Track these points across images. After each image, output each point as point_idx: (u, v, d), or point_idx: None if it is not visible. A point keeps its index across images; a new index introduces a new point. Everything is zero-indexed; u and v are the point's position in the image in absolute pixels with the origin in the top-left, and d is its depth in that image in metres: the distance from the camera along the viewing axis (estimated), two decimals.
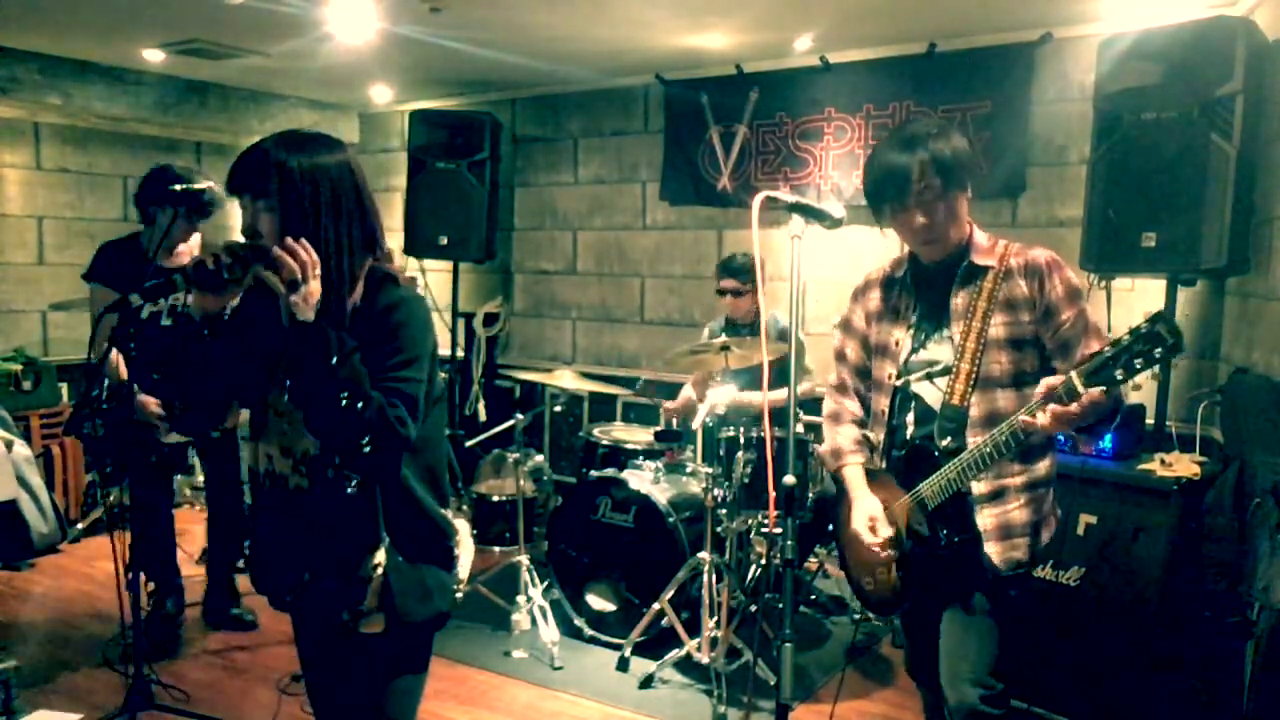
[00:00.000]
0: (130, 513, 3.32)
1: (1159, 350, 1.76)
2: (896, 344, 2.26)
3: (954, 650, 2.20)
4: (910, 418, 2.25)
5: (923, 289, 2.26)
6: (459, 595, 1.96)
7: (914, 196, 2.08)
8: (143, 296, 3.57)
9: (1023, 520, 2.15)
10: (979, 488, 2.13)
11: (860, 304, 2.40)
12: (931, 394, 2.21)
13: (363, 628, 1.83)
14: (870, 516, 2.24)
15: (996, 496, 2.14)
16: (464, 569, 1.97)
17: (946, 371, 2.17)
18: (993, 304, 2.12)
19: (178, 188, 3.53)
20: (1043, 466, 2.19)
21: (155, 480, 3.80)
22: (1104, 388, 1.83)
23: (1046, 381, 1.93)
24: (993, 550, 2.13)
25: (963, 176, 2.10)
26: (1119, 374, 1.80)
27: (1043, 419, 1.91)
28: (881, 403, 2.32)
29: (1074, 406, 1.88)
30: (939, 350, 2.20)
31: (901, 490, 2.24)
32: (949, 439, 2.14)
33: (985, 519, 2.14)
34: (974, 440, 2.11)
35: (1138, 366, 1.79)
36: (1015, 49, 4.40)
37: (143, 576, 3.90)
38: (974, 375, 2.12)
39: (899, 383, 2.26)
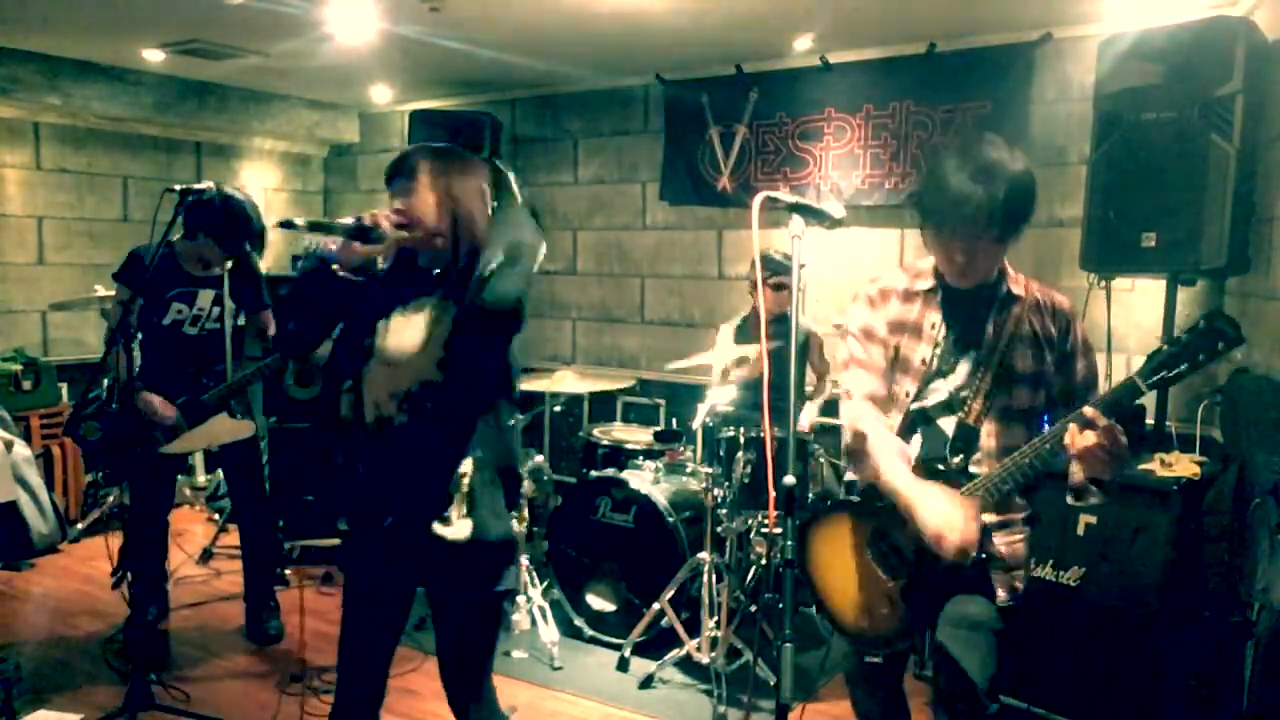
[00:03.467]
0: (126, 515, 3.31)
1: (1222, 344, 1.79)
2: (922, 362, 2.16)
3: (955, 668, 2.11)
4: (917, 439, 2.17)
5: (954, 309, 2.16)
6: (519, 528, 2.25)
7: (968, 235, 1.99)
8: (160, 301, 3.62)
9: (1024, 554, 2.16)
10: (988, 518, 2.09)
11: (880, 311, 2.24)
12: (945, 419, 2.15)
13: (450, 535, 2.06)
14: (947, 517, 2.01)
15: (1005, 526, 2.14)
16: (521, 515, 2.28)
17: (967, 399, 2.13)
18: (1020, 334, 2.09)
19: (177, 188, 3.53)
20: (1029, 506, 2.19)
21: (153, 485, 3.78)
22: (1158, 387, 1.86)
23: (1100, 397, 1.92)
24: (998, 579, 2.12)
25: (1023, 226, 2.00)
26: (1184, 368, 1.82)
27: (1089, 439, 1.85)
28: (893, 419, 2.21)
29: (1118, 435, 1.86)
30: (964, 373, 2.14)
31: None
32: (959, 458, 2.09)
33: (999, 546, 2.12)
34: (981, 467, 2.08)
35: (1201, 360, 1.81)
36: (1015, 49, 4.40)
37: (129, 578, 3.91)
38: (991, 398, 2.07)
39: (916, 407, 2.17)
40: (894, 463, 2.10)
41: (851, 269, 4.90)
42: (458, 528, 2.07)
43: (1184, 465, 3.11)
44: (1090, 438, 1.85)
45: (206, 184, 3.52)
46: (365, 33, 4.48)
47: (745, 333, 4.31)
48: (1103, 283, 3.76)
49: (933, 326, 2.17)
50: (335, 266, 2.08)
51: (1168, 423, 3.57)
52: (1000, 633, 2.10)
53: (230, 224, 3.59)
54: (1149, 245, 3.40)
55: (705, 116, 5.32)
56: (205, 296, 3.71)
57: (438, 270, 2.16)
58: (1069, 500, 2.09)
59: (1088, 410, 1.87)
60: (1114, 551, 3.08)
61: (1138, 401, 3.62)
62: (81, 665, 3.67)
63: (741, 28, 4.43)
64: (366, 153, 6.97)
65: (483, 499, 2.11)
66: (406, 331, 2.12)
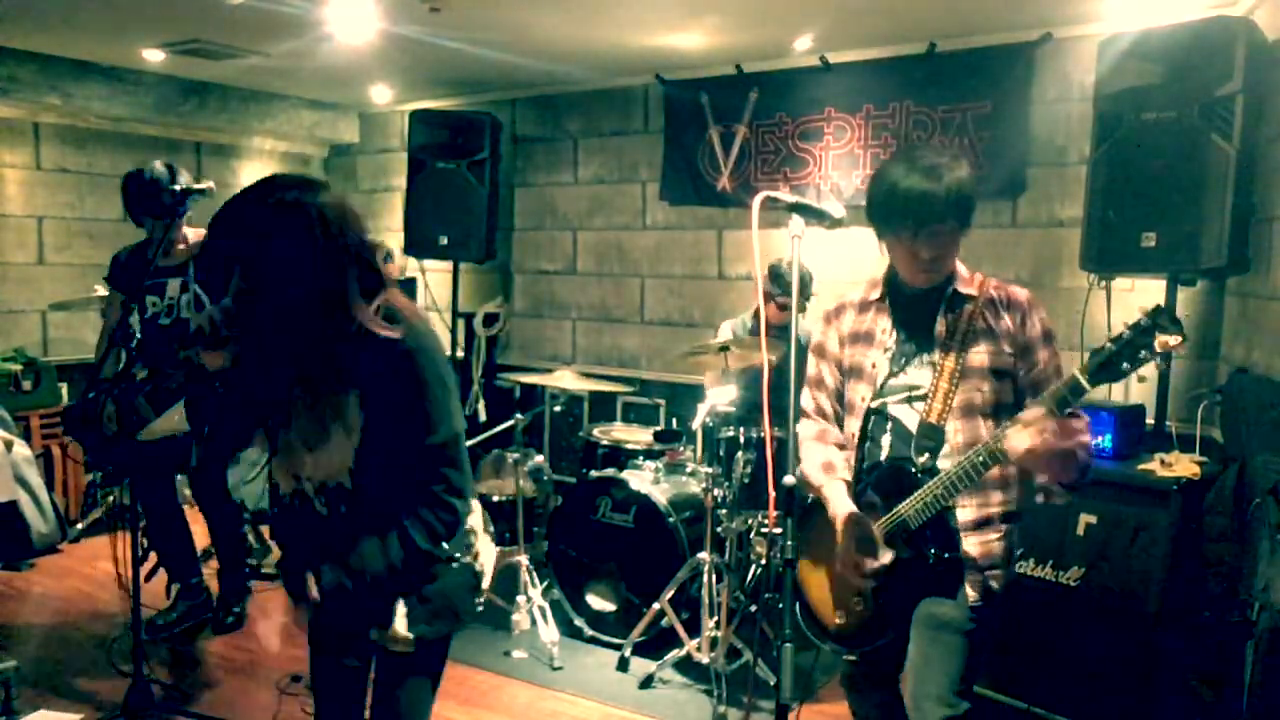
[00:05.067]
0: (128, 514, 3.33)
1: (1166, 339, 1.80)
2: (873, 366, 2.23)
3: (921, 666, 2.13)
4: (886, 440, 2.20)
5: (902, 314, 2.23)
6: (480, 605, 2.06)
7: (931, 229, 2.06)
8: (137, 297, 3.66)
9: (1001, 551, 2.14)
10: (963, 515, 2.12)
11: (834, 327, 2.34)
12: (910, 417, 2.17)
13: (391, 647, 1.91)
14: (868, 531, 2.13)
15: (981, 525, 2.13)
16: (486, 579, 2.05)
17: (927, 396, 2.15)
18: (974, 332, 2.12)
19: (177, 187, 3.53)
20: (1018, 497, 2.18)
21: (150, 480, 3.79)
22: (1109, 381, 1.86)
23: (1049, 392, 1.94)
24: (971, 579, 2.11)
25: (972, 215, 2.11)
26: (1125, 366, 1.83)
27: (1029, 440, 1.88)
28: (852, 425, 2.27)
29: (1076, 423, 1.91)
30: (919, 375, 2.17)
31: (875, 515, 2.17)
32: (925, 456, 2.11)
33: (971, 546, 2.12)
34: (949, 462, 2.08)
35: (1143, 358, 1.81)
36: (1015, 49, 4.40)
37: (163, 573, 4.01)
38: (951, 395, 2.10)
39: (875, 404, 2.21)
40: (817, 472, 2.25)
41: (852, 269, 4.89)
42: (400, 644, 1.91)
43: (1184, 465, 3.10)
44: (1025, 440, 1.89)
45: (207, 183, 3.53)
46: (365, 33, 4.48)
47: (754, 332, 4.27)
48: (1103, 283, 3.76)
49: (884, 332, 2.24)
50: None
51: (1168, 423, 3.57)
52: (972, 633, 2.10)
53: (134, 195, 3.65)
54: (1149, 245, 3.39)
55: (705, 116, 5.32)
56: (173, 285, 3.74)
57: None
58: (1038, 500, 2.12)
59: (1023, 415, 1.93)
60: (1114, 551, 3.08)
61: (1136, 401, 3.63)
62: (81, 665, 3.67)
63: (739, 30, 4.43)
64: (366, 153, 6.97)
65: (427, 609, 1.92)
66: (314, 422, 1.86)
